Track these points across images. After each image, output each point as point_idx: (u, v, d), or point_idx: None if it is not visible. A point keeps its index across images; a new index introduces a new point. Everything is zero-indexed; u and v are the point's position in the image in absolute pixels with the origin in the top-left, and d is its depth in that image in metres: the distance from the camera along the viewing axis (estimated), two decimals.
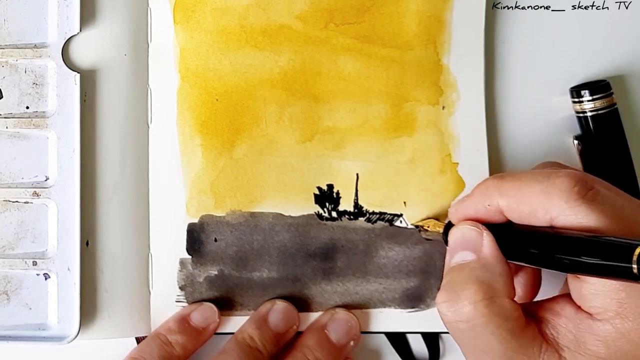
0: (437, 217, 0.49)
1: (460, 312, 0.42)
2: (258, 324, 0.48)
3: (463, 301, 0.41)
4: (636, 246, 0.37)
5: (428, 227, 0.49)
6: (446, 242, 0.46)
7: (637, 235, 0.39)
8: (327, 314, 0.50)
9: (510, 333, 0.41)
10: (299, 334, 0.50)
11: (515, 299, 0.43)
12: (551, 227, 0.41)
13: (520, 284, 0.47)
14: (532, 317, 0.42)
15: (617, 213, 0.40)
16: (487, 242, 0.43)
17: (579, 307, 0.41)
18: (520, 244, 0.43)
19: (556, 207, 0.41)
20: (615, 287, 0.39)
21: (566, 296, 0.42)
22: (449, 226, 0.46)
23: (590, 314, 0.40)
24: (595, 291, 0.40)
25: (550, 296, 0.44)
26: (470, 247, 0.43)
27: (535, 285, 0.47)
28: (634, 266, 0.36)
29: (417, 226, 0.50)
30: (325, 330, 0.49)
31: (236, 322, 0.50)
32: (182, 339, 0.48)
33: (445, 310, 0.42)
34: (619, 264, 0.37)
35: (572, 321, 0.41)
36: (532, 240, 0.42)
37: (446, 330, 0.50)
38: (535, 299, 0.45)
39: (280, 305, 0.50)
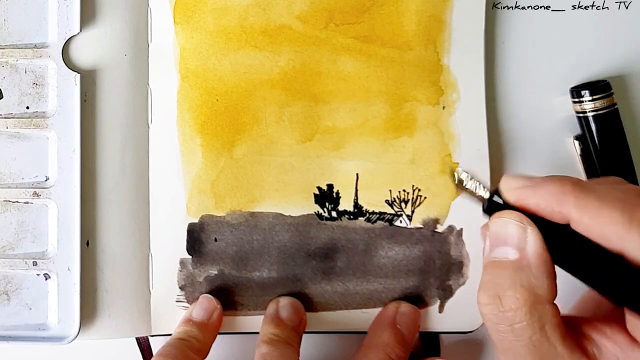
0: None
1: (502, 316, 0.40)
2: (275, 323, 0.49)
3: (505, 306, 0.40)
4: None
5: (466, 185, 0.44)
6: (486, 211, 0.43)
7: None
8: (391, 308, 0.50)
9: (547, 340, 0.40)
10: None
11: None
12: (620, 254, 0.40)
13: None
14: (574, 329, 0.41)
15: None
16: (531, 241, 0.40)
17: (634, 339, 0.40)
18: (578, 255, 0.40)
19: (633, 242, 0.38)
20: None
21: (620, 323, 0.41)
22: (493, 198, 0.42)
23: None
24: None
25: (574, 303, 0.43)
26: (512, 244, 0.41)
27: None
28: None
29: (456, 177, 0.45)
30: (398, 326, 0.49)
31: (236, 322, 0.50)
32: (195, 332, 0.48)
33: (487, 312, 0.41)
34: None
35: (621, 348, 0.40)
36: (597, 258, 0.40)
37: (445, 330, 0.51)
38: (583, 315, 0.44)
39: (285, 300, 0.50)
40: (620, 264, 0.39)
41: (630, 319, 0.40)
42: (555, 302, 0.41)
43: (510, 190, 0.42)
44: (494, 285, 0.41)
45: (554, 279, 0.41)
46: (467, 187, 0.43)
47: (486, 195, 0.43)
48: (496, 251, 0.41)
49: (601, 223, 0.39)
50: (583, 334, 0.41)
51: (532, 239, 0.40)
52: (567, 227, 0.40)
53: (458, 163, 0.50)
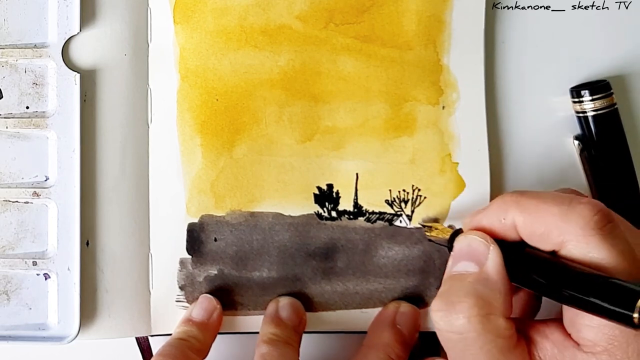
0: (437, 220, 0.50)
1: (453, 323, 0.41)
2: (275, 323, 0.49)
3: (458, 313, 0.41)
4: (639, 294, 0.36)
5: (437, 228, 0.48)
6: (450, 249, 0.45)
7: None
8: (392, 308, 0.50)
9: (499, 351, 0.41)
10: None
11: (512, 316, 0.42)
12: (557, 253, 0.41)
13: (520, 301, 0.46)
14: (524, 336, 0.42)
15: (630, 253, 0.40)
16: (492, 257, 0.42)
17: (568, 335, 0.41)
18: (526, 268, 0.42)
19: (571, 232, 0.40)
20: (611, 324, 0.38)
21: (558, 321, 0.42)
22: (456, 234, 0.46)
23: (578, 344, 0.40)
24: (589, 323, 0.39)
25: (545, 317, 0.44)
26: (474, 259, 0.43)
27: (534, 305, 0.47)
28: (635, 315, 0.36)
29: (424, 225, 0.49)
30: (398, 326, 0.49)
31: (236, 322, 0.50)
32: (195, 332, 0.48)
33: (438, 319, 0.42)
34: (620, 309, 0.37)
35: (557, 347, 0.41)
36: (539, 267, 0.41)
37: None
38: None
39: (285, 300, 0.50)
40: (562, 267, 0.40)
41: (566, 314, 0.41)
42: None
43: (466, 223, 0.45)
44: (449, 295, 0.42)
45: (509, 297, 0.42)
46: (437, 229, 0.48)
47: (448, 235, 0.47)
48: (458, 266, 0.44)
49: (541, 220, 0.41)
50: (531, 339, 0.42)
51: (493, 255, 0.42)
52: (520, 245, 0.43)
53: (458, 163, 0.50)
